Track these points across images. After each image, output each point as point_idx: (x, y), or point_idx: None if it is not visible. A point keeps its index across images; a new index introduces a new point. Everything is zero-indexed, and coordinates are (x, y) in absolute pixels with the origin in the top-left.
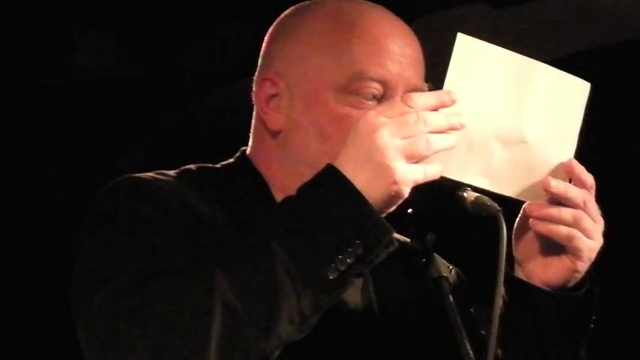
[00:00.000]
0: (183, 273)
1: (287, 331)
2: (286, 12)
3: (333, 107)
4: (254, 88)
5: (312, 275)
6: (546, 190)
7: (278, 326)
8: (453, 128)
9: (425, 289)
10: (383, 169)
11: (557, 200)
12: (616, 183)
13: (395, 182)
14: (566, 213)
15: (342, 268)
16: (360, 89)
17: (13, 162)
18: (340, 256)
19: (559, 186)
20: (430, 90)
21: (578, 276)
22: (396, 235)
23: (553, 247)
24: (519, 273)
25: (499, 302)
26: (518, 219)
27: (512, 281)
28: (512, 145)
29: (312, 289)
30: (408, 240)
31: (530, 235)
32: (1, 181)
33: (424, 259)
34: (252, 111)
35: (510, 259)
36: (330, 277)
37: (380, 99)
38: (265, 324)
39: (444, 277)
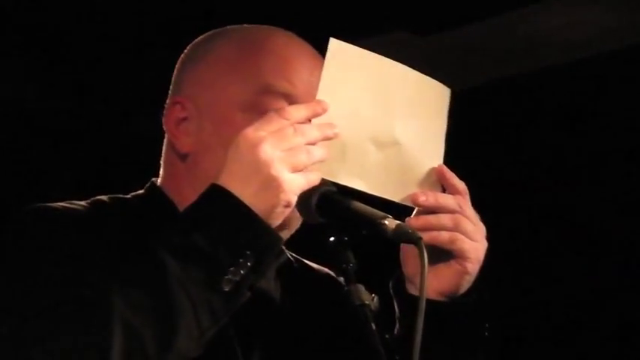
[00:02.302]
0: (83, 299)
1: (187, 346)
2: (198, 38)
3: (240, 126)
4: (164, 113)
5: (207, 288)
6: (417, 205)
7: (178, 341)
8: (326, 138)
9: (347, 317)
10: (270, 181)
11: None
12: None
13: (283, 191)
14: (444, 218)
15: (237, 279)
16: (267, 104)
17: None
18: (233, 268)
19: (429, 198)
20: None
21: (470, 279)
22: (315, 265)
23: (440, 255)
24: (411, 289)
25: (420, 325)
26: None
27: (403, 298)
28: (386, 147)
29: (207, 302)
30: (326, 270)
31: (415, 249)
32: None
33: (346, 288)
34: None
35: (399, 278)
36: (225, 289)
37: None
38: (165, 340)
39: (366, 304)
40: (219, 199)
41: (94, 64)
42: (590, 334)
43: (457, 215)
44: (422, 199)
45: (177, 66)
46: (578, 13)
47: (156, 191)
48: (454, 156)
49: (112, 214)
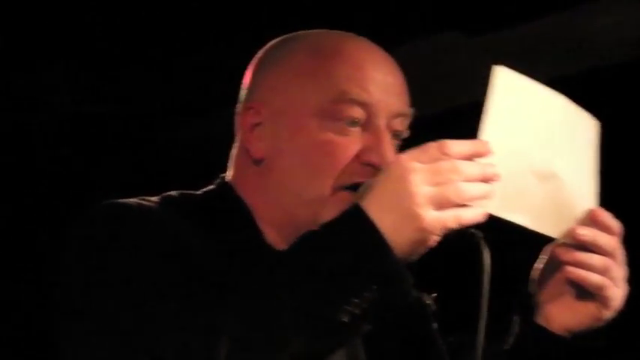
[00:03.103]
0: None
1: None
2: (270, 43)
3: (315, 134)
4: (236, 118)
5: (325, 315)
6: (575, 237)
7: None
8: (486, 179)
9: (406, 315)
10: (410, 215)
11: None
12: None
13: (422, 229)
14: (597, 260)
15: (356, 312)
16: (342, 112)
17: None
18: (356, 300)
19: (588, 234)
20: (413, 115)
21: (600, 324)
22: None
23: (580, 292)
24: (539, 319)
25: (482, 328)
26: (541, 261)
27: (528, 325)
28: (546, 181)
29: (323, 329)
30: None
31: (556, 277)
32: None
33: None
34: (223, 143)
35: (526, 300)
36: (343, 320)
37: (363, 125)
38: (272, 357)
39: (427, 303)
40: (356, 224)
41: (136, 68)
42: None
43: (608, 259)
44: (583, 232)
45: (249, 70)
46: (634, 10)
47: (228, 189)
48: None
49: (185, 210)
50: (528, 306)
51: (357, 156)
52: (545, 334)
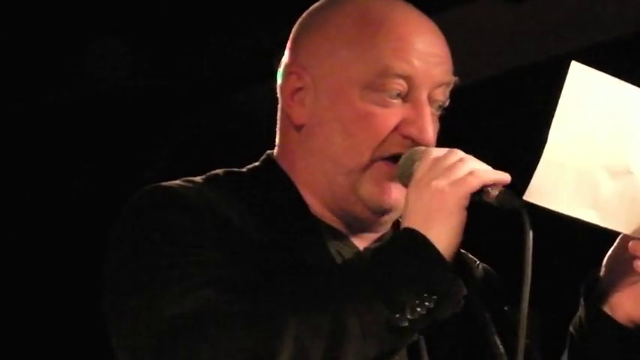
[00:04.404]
0: (254, 303)
1: None
2: (314, 6)
3: (357, 104)
4: (279, 81)
5: (382, 321)
6: None
7: None
8: (498, 181)
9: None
10: (434, 195)
11: None
12: None
13: (444, 199)
14: None
15: (414, 318)
16: (385, 86)
17: (35, 181)
18: (412, 307)
19: None
20: (456, 83)
21: None
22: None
23: None
24: (601, 300)
25: (526, 303)
26: (613, 249)
27: (594, 310)
28: (619, 176)
29: (379, 334)
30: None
31: (625, 267)
32: (25, 201)
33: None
34: (270, 117)
35: (594, 285)
36: (400, 325)
37: (405, 97)
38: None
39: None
40: (412, 243)
41: (185, 42)
42: None
43: None
44: None
45: (292, 34)
46: None
47: (272, 164)
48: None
49: (230, 188)
50: (595, 290)
51: (397, 128)
52: (608, 321)
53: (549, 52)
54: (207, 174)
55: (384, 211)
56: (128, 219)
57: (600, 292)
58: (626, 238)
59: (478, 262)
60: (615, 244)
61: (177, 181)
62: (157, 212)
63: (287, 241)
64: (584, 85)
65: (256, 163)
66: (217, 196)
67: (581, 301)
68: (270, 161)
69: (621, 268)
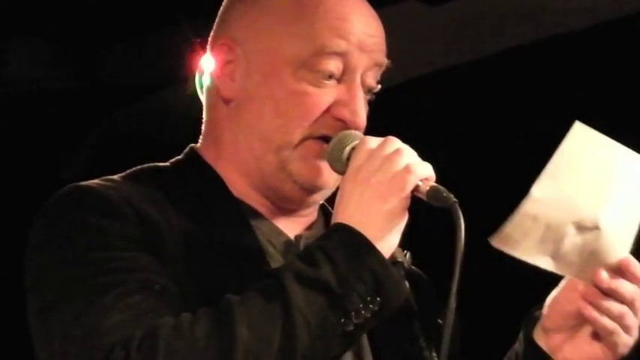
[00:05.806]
0: (204, 314)
1: None
2: None
3: (290, 82)
4: (209, 50)
5: (328, 324)
6: (596, 283)
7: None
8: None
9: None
10: (373, 194)
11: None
12: None
13: (384, 196)
14: (614, 306)
15: (360, 321)
16: (320, 65)
17: None
18: (358, 310)
19: (609, 282)
20: (389, 67)
21: None
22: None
23: (588, 330)
24: (541, 339)
25: (454, 299)
26: (559, 291)
27: (533, 348)
28: (586, 231)
29: (327, 339)
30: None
31: (568, 309)
32: None
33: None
34: (186, 117)
35: (534, 322)
36: (346, 329)
37: (339, 78)
38: (287, 353)
39: (398, 262)
40: (354, 243)
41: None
42: None
43: (625, 308)
44: (603, 277)
45: (224, 4)
46: None
47: (193, 155)
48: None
49: (151, 184)
50: (535, 329)
51: (329, 109)
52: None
53: (469, 55)
54: (127, 171)
55: (313, 189)
56: (49, 221)
57: (540, 331)
58: (573, 283)
59: (406, 252)
60: (561, 286)
61: (97, 180)
62: (78, 215)
63: (210, 227)
64: (581, 146)
65: (179, 157)
66: (137, 193)
67: (520, 337)
68: (193, 152)
69: (565, 311)
